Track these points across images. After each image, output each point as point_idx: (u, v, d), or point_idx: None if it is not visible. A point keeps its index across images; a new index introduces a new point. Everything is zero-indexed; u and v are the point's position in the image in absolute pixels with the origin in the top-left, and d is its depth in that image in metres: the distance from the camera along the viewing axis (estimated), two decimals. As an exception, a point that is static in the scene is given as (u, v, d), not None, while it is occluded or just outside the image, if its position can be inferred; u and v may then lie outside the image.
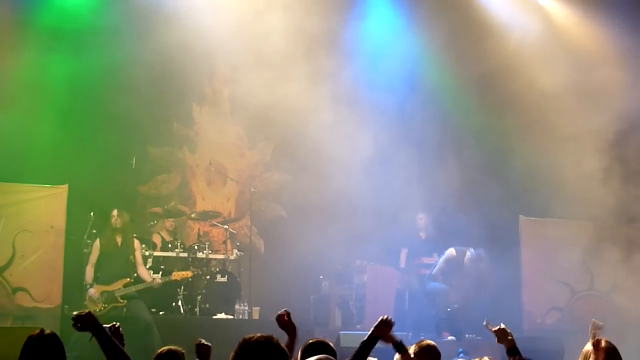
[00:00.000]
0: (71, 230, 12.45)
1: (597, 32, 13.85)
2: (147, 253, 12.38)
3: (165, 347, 5.93)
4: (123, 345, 5.23)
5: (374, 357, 5.49)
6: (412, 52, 14.42)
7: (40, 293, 12.16)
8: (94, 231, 12.10)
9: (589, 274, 14.22)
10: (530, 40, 14.25)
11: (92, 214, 12.26)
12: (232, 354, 3.77)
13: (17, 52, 12.46)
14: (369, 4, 14.77)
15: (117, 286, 11.45)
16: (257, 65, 13.69)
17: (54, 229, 12.34)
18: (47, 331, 5.12)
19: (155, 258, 12.60)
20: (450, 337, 11.99)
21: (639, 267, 13.64)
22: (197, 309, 12.46)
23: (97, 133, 13.04)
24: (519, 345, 5.91)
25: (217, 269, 12.90)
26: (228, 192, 14.89)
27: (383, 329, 5.43)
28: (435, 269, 12.57)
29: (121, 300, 11.41)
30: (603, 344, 5.66)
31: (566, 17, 14.42)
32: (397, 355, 5.95)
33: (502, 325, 5.89)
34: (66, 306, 12.10)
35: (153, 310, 12.11)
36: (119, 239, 11.72)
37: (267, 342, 3.75)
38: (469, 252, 12.46)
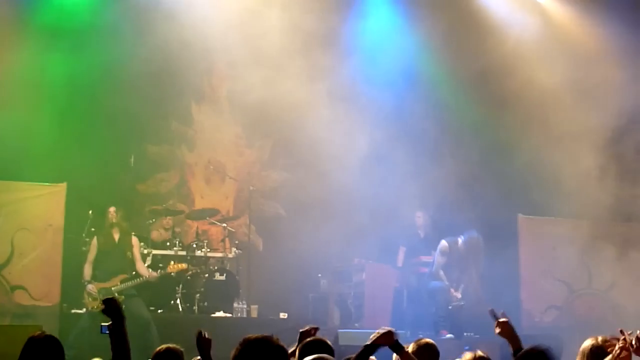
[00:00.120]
0: (70, 229, 12.45)
1: (594, 29, 13.85)
2: (145, 251, 12.40)
3: (164, 345, 5.94)
4: None
5: (373, 356, 5.49)
6: (410, 49, 14.41)
7: (39, 291, 12.16)
8: (93, 229, 12.11)
9: (587, 273, 14.23)
10: (529, 37, 14.25)
11: (90, 212, 12.26)
12: (232, 353, 3.78)
13: (15, 50, 12.46)
14: (367, 1, 14.76)
15: (114, 282, 11.48)
16: (255, 63, 13.71)
17: (53, 227, 12.34)
18: (48, 333, 5.14)
19: (154, 256, 12.61)
20: (448, 335, 11.99)
21: (637, 265, 13.66)
22: (195, 307, 12.47)
23: (95, 131, 13.04)
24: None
25: (216, 267, 12.91)
26: (226, 191, 14.89)
27: (385, 340, 5.37)
28: (434, 266, 12.56)
29: (117, 296, 11.42)
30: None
31: (564, 15, 14.42)
32: (395, 355, 5.95)
33: (505, 319, 5.83)
34: (65, 304, 12.11)
35: (151, 308, 12.12)
36: (116, 236, 11.75)
37: (268, 342, 3.77)
38: (461, 239, 12.47)
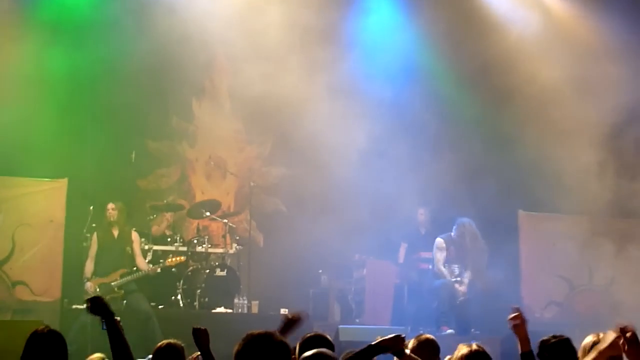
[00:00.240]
0: (71, 224, 12.45)
1: (595, 26, 13.83)
2: (146, 247, 12.40)
3: (165, 341, 5.95)
4: None
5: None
6: (410, 45, 14.39)
7: (40, 287, 12.17)
8: (94, 225, 12.11)
9: (588, 269, 14.23)
10: (529, 33, 14.23)
11: (91, 207, 12.26)
12: (235, 348, 3.79)
13: (16, 45, 12.44)
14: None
15: (114, 277, 11.49)
16: (256, 58, 13.70)
17: (54, 222, 12.34)
18: (52, 328, 5.14)
19: (155, 252, 12.62)
20: (449, 331, 11.99)
21: (637, 261, 13.66)
22: (196, 303, 12.47)
23: (96, 127, 13.03)
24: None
25: (217, 263, 12.91)
26: (227, 186, 14.90)
27: (394, 344, 5.32)
28: (435, 264, 12.55)
29: (117, 290, 11.43)
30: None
31: (565, 11, 14.39)
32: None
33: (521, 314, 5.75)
34: (65, 300, 12.11)
35: (152, 304, 12.12)
36: (115, 232, 11.77)
37: (270, 338, 3.78)
38: (453, 232, 12.48)
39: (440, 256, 12.45)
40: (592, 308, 13.95)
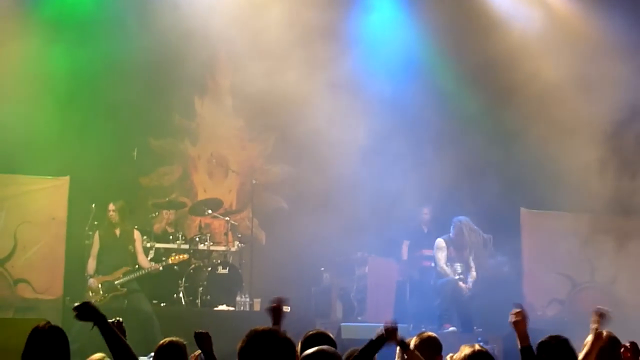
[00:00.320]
0: (73, 222, 12.46)
1: (597, 23, 13.80)
2: (148, 245, 12.41)
3: (167, 339, 5.94)
4: (125, 337, 5.22)
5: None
6: (413, 42, 14.39)
7: (42, 284, 12.20)
8: (96, 223, 12.10)
9: (590, 266, 14.22)
10: (531, 31, 14.22)
11: (93, 205, 12.26)
12: (239, 344, 3.78)
13: (18, 42, 12.44)
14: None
15: (117, 275, 11.49)
16: (258, 56, 13.71)
17: (56, 220, 12.36)
18: (53, 324, 5.11)
19: (157, 250, 12.62)
20: (451, 329, 11.99)
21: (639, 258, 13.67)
22: (198, 301, 12.48)
23: (98, 125, 13.02)
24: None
25: (219, 261, 12.92)
26: (229, 184, 14.90)
27: (390, 336, 5.34)
28: (437, 265, 12.48)
29: (120, 288, 11.44)
30: (604, 334, 5.65)
31: (567, 8, 14.37)
32: (397, 353, 5.94)
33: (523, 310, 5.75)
34: (67, 297, 12.11)
35: (154, 301, 12.14)
36: (117, 231, 11.75)
37: (275, 334, 3.77)
38: (451, 232, 12.44)
39: (441, 256, 12.41)
40: (594, 306, 13.89)
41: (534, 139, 13.90)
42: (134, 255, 11.75)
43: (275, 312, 6.00)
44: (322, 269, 13.92)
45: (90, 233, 11.96)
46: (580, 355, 5.63)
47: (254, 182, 14.04)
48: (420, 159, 13.65)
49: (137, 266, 11.70)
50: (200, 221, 13.86)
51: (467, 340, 7.55)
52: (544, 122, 13.76)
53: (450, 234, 12.46)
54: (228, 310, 12.31)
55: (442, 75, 14.41)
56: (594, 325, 5.66)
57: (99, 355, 5.64)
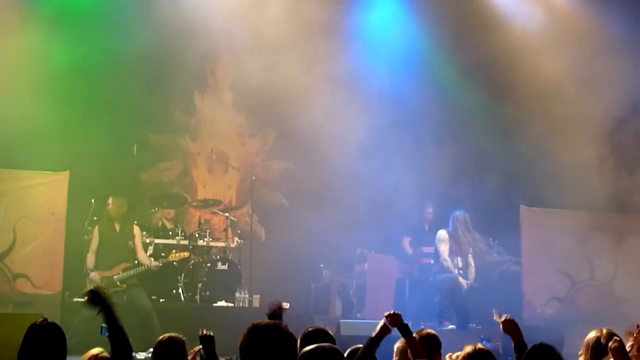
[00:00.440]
0: (72, 217, 12.43)
1: (597, 20, 13.79)
2: (147, 240, 12.40)
3: (166, 335, 5.95)
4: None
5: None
6: (412, 38, 14.39)
7: (41, 279, 12.18)
8: (95, 218, 12.08)
9: (590, 264, 14.22)
10: (532, 28, 14.22)
11: (93, 200, 12.24)
12: (240, 339, 3.77)
13: (18, 37, 12.41)
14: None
15: (116, 271, 11.48)
16: (258, 52, 13.72)
17: (55, 215, 12.34)
18: (50, 321, 5.11)
19: (156, 245, 12.61)
20: (450, 326, 11.99)
21: (639, 256, 13.67)
22: (197, 297, 12.47)
23: (98, 120, 12.99)
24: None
25: (218, 257, 12.91)
26: (229, 180, 14.89)
27: (393, 322, 5.38)
28: (440, 256, 12.42)
29: (120, 285, 11.43)
30: (605, 331, 5.61)
31: (567, 5, 14.35)
32: (398, 343, 5.94)
33: (509, 317, 5.81)
34: (67, 293, 12.12)
35: (153, 297, 12.13)
36: (117, 226, 11.73)
37: (276, 328, 3.76)
38: (450, 227, 12.40)
39: (444, 248, 12.32)
40: (594, 303, 13.95)
41: (534, 135, 13.91)
42: (133, 251, 11.74)
43: (274, 317, 6.01)
44: (322, 265, 13.92)
45: (90, 228, 11.94)
46: None
47: (253, 178, 14.03)
48: (420, 155, 13.66)
49: (136, 262, 11.69)
50: (199, 217, 13.87)
51: (467, 337, 7.57)
52: (544, 119, 13.77)
53: (449, 228, 12.41)
54: (227, 307, 12.30)
55: (441, 71, 14.41)
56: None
57: (97, 349, 5.63)
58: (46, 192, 12.42)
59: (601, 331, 5.63)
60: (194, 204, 14.01)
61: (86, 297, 4.89)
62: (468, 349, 5.15)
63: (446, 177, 13.49)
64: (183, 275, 12.59)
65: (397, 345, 5.98)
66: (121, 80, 13.14)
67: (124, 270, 11.51)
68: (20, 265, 12.15)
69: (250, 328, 3.77)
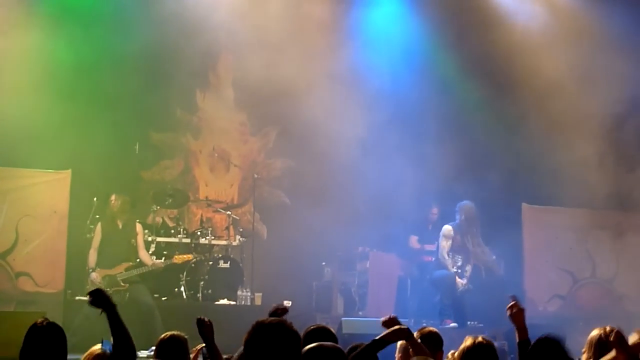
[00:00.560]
0: (74, 215, 12.44)
1: (598, 18, 13.77)
2: (149, 238, 12.39)
3: (168, 333, 5.95)
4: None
5: None
6: (413, 35, 14.39)
7: (43, 278, 12.18)
8: (97, 216, 12.09)
9: (592, 262, 14.23)
10: (533, 25, 14.20)
11: (95, 199, 12.26)
12: (245, 336, 3.77)
13: (20, 35, 12.40)
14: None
15: (119, 270, 11.47)
16: (260, 50, 13.71)
17: (57, 213, 12.35)
18: (51, 320, 5.11)
19: (158, 244, 12.61)
20: (452, 324, 11.98)
21: (640, 254, 13.69)
22: (199, 295, 12.48)
23: (100, 118, 12.98)
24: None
25: (220, 255, 12.91)
26: (231, 178, 14.89)
27: (400, 336, 5.33)
28: (439, 251, 12.42)
29: (123, 284, 11.43)
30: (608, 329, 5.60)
31: (568, 3, 14.33)
32: (398, 345, 5.93)
33: (522, 306, 5.69)
34: (69, 291, 12.13)
35: (155, 295, 12.13)
36: (119, 223, 11.73)
37: (281, 325, 3.75)
38: (457, 218, 12.35)
39: (446, 244, 12.29)
40: (596, 301, 13.96)
41: (535, 133, 13.90)
42: (136, 249, 11.74)
43: (274, 313, 5.99)
44: (324, 263, 13.92)
45: (92, 227, 11.95)
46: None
47: (255, 176, 14.04)
48: (422, 153, 13.66)
49: (138, 260, 11.69)
50: (201, 215, 13.87)
51: (469, 335, 7.54)
52: (545, 117, 13.77)
53: (456, 220, 12.35)
54: (229, 305, 12.31)
55: (442, 69, 14.40)
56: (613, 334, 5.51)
57: (98, 347, 5.62)
58: (48, 191, 12.43)
59: (604, 329, 5.63)
60: (192, 199, 14.00)
61: (88, 298, 4.85)
62: (468, 341, 5.12)
63: (447, 174, 13.48)
64: (185, 273, 12.60)
65: (400, 342, 5.97)
66: (123, 78, 13.14)
67: (126, 269, 11.50)
68: (22, 263, 12.16)
69: (255, 325, 3.76)
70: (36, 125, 12.22)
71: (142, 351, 9.58)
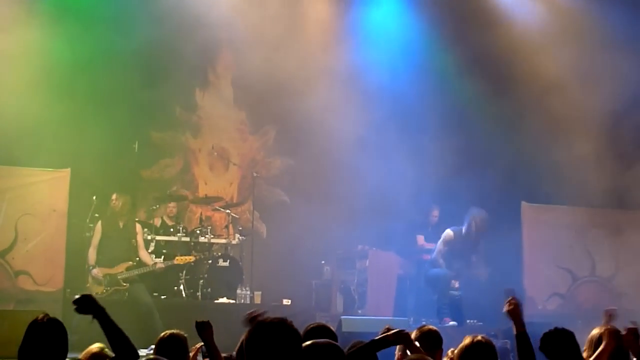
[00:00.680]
0: (73, 214, 12.45)
1: (596, 16, 13.77)
2: (149, 237, 12.39)
3: (168, 331, 5.94)
4: None
5: None
6: (412, 33, 14.40)
7: (43, 276, 12.19)
8: (96, 215, 12.09)
9: (591, 260, 14.24)
10: (532, 24, 14.21)
11: (94, 197, 12.26)
12: (245, 335, 3.76)
13: (20, 34, 12.38)
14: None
15: (119, 269, 11.47)
16: (259, 48, 13.72)
17: (57, 212, 12.35)
18: (51, 316, 5.07)
19: (158, 242, 12.61)
20: (451, 323, 11.99)
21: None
22: (199, 293, 12.47)
23: (99, 117, 12.98)
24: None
25: (219, 254, 12.92)
26: (230, 177, 14.89)
27: (402, 339, 5.33)
28: (434, 253, 12.46)
29: (123, 284, 11.42)
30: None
31: (568, 1, 14.33)
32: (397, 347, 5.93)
33: (517, 300, 5.70)
34: (68, 289, 12.12)
35: (155, 294, 12.12)
36: (120, 222, 11.72)
37: (281, 324, 3.74)
38: (464, 227, 12.31)
39: (443, 248, 12.32)
40: (595, 299, 13.95)
41: (534, 131, 13.91)
42: (136, 249, 11.73)
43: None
44: (323, 262, 13.92)
45: (91, 225, 11.95)
46: (593, 356, 5.59)
47: (254, 174, 14.03)
48: (421, 151, 13.66)
49: (138, 259, 11.68)
50: (201, 214, 13.86)
51: (469, 334, 7.53)
52: (544, 114, 13.77)
53: (463, 229, 12.28)
54: (229, 303, 12.31)
55: (441, 66, 14.41)
56: (606, 327, 5.58)
57: (97, 345, 5.61)
58: (47, 189, 12.43)
59: (605, 327, 5.65)
60: (196, 200, 14.01)
61: (74, 308, 4.75)
62: (467, 340, 5.12)
63: (447, 172, 13.49)
64: (184, 272, 12.60)
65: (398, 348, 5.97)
66: (122, 77, 13.13)
67: (127, 269, 11.50)
68: (21, 262, 12.16)
69: (255, 324, 3.75)
70: (35, 124, 12.23)
71: (141, 350, 9.58)
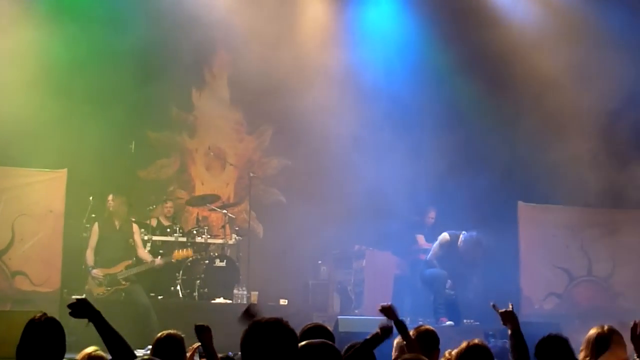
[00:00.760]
0: (70, 214, 12.44)
1: (594, 15, 13.77)
2: (146, 237, 12.39)
3: (164, 332, 5.93)
4: None
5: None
6: (409, 33, 14.41)
7: (39, 277, 12.18)
8: (93, 215, 12.10)
9: (588, 260, 14.23)
10: (529, 23, 14.21)
11: (91, 198, 12.26)
12: (242, 335, 3.76)
13: (16, 34, 12.38)
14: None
15: (119, 269, 11.46)
16: (255, 48, 13.72)
17: (53, 213, 12.34)
18: (49, 316, 5.06)
19: (154, 243, 12.61)
20: (448, 323, 11.97)
21: (637, 252, 13.68)
22: (195, 294, 12.47)
23: (96, 117, 12.97)
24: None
25: (216, 254, 12.91)
26: (227, 177, 14.89)
27: (389, 315, 5.40)
28: (430, 254, 12.46)
29: (124, 283, 11.42)
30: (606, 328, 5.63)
31: (564, 1, 14.34)
32: (397, 339, 5.95)
33: (510, 308, 5.74)
34: (65, 290, 12.11)
35: (152, 294, 12.12)
36: (117, 223, 11.71)
37: (277, 324, 3.75)
38: (462, 235, 12.31)
39: (439, 251, 12.28)
40: (592, 299, 13.97)
41: (530, 130, 13.91)
42: (134, 249, 11.72)
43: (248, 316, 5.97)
44: (320, 262, 13.92)
45: (88, 226, 11.94)
46: None
47: (251, 175, 14.03)
48: (417, 150, 13.68)
49: (134, 259, 11.67)
50: (197, 214, 13.86)
51: (467, 334, 7.55)
52: (540, 114, 13.78)
53: (463, 235, 12.23)
54: (225, 303, 12.30)
55: (437, 66, 14.40)
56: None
57: (92, 348, 5.60)
58: (44, 190, 12.42)
59: (602, 328, 5.64)
60: (192, 201, 14.01)
61: (69, 312, 4.74)
62: (463, 344, 5.16)
63: (443, 172, 13.49)
64: (181, 272, 12.59)
65: (397, 340, 5.99)
66: (118, 77, 13.11)
67: (126, 267, 11.50)
68: (18, 262, 12.15)
69: (251, 324, 3.76)
70: (31, 124, 12.22)
71: (138, 350, 9.57)
